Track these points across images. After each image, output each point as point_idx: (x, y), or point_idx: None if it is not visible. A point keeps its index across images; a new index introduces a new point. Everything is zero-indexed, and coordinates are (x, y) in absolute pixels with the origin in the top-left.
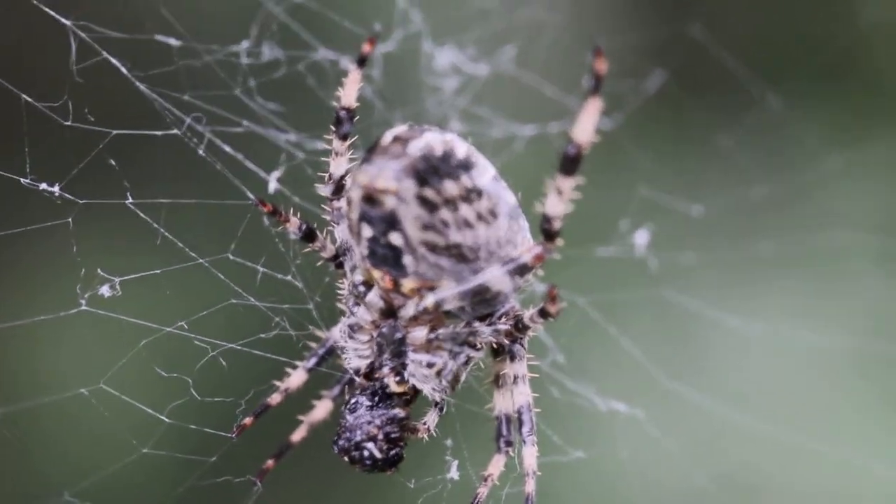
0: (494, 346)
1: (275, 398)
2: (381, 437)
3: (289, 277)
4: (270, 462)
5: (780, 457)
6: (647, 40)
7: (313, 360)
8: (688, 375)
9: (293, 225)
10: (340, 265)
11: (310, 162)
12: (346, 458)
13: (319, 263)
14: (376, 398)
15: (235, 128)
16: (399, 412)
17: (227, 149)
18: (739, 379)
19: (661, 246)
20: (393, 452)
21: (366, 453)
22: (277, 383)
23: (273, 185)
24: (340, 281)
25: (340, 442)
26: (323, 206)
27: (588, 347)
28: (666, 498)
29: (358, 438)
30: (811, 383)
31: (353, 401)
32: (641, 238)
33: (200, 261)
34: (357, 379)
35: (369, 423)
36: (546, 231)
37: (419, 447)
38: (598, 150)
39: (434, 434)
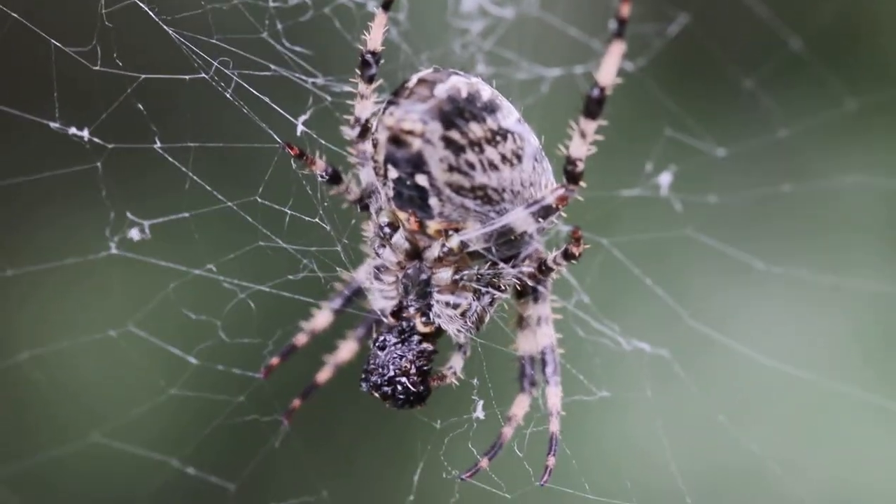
0: (518, 287)
1: (301, 339)
2: (413, 370)
3: (316, 220)
4: (297, 402)
5: (802, 397)
6: None
7: (338, 302)
8: (711, 316)
9: (319, 168)
10: (365, 207)
11: (337, 105)
12: (376, 395)
13: (345, 206)
14: (404, 335)
15: (263, 71)
16: (427, 346)
17: (255, 92)
18: (762, 319)
19: (685, 187)
20: (423, 387)
21: (399, 388)
22: (303, 324)
23: (300, 129)
24: (365, 223)
25: (373, 378)
26: (349, 149)
27: (613, 288)
28: (688, 438)
29: (391, 373)
30: (832, 326)
31: (381, 338)
32: (665, 179)
33: (228, 203)
34: (385, 319)
35: (401, 357)
36: (569, 173)
37: (445, 387)
38: (623, 93)
39: (461, 377)
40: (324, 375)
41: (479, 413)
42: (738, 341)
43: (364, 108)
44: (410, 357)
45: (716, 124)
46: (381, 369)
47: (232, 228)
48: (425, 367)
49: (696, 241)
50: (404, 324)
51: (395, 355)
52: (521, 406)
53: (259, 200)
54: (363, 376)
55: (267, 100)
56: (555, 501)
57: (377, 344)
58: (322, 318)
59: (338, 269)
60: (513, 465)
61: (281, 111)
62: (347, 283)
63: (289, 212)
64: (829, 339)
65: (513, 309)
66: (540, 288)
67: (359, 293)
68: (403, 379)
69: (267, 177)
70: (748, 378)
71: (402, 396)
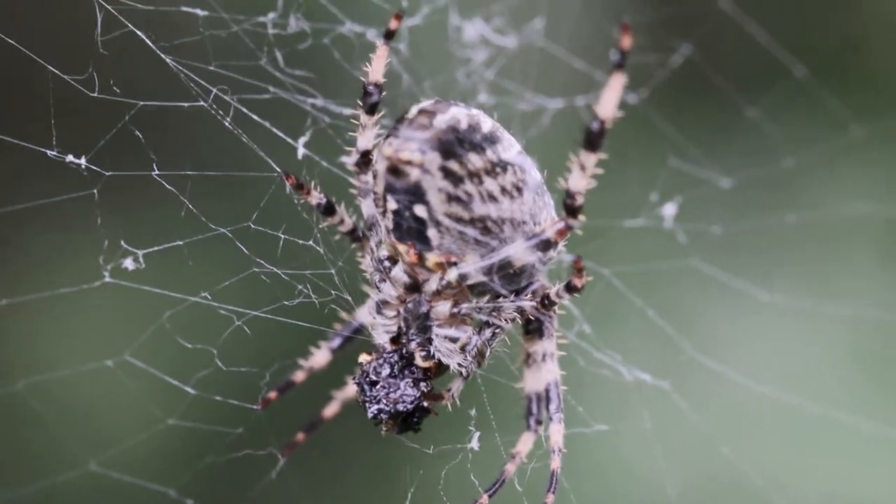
0: (522, 322)
1: (299, 376)
2: (425, 392)
3: (310, 242)
4: (301, 436)
5: (805, 430)
6: (674, 13)
7: (337, 341)
8: (714, 347)
9: (314, 198)
10: (357, 238)
11: (335, 127)
12: (386, 420)
13: (337, 238)
14: (402, 361)
15: (262, 94)
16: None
17: (254, 117)
18: (765, 351)
19: (690, 217)
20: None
21: (418, 414)
22: (302, 361)
23: (301, 151)
24: (360, 255)
25: (378, 405)
26: (351, 179)
27: (615, 318)
28: (689, 470)
29: (395, 399)
30: (835, 356)
31: (384, 364)
32: (669, 210)
33: (222, 230)
34: (384, 347)
35: (416, 382)
36: (569, 206)
37: (444, 416)
38: (627, 124)
39: (457, 402)
40: (330, 410)
41: (475, 444)
42: (741, 373)
43: (365, 139)
44: (412, 381)
45: (719, 154)
46: (399, 395)
47: (226, 255)
48: (426, 391)
49: (699, 271)
50: (403, 350)
51: (408, 379)
52: (525, 444)
53: (252, 226)
54: (373, 404)
55: (267, 124)
56: None
57: (383, 371)
58: (320, 356)
59: (333, 292)
60: (512, 499)
61: (280, 134)
62: (347, 322)
63: (282, 236)
64: (836, 370)
65: (519, 346)
66: (546, 323)
67: (358, 333)
68: (421, 403)
69: (262, 203)
70: (751, 409)
71: (415, 421)
